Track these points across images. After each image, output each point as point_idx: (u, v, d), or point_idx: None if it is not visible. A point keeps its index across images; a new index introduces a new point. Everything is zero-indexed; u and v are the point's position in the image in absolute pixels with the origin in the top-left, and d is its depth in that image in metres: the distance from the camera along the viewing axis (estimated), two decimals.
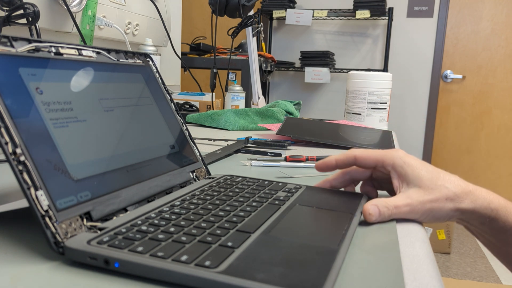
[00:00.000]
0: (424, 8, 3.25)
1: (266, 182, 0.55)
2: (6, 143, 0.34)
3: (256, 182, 0.55)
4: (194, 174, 0.56)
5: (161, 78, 0.58)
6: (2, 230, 0.40)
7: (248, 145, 0.91)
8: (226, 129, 1.20)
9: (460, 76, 3.29)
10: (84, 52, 0.47)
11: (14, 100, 0.36)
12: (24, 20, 0.73)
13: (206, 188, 0.50)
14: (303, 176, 0.68)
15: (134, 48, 1.22)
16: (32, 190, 0.34)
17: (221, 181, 0.55)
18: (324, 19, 3.27)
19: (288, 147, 0.92)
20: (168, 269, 0.30)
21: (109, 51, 0.51)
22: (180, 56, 1.63)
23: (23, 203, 0.42)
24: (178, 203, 0.44)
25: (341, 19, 3.35)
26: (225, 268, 0.30)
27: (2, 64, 0.37)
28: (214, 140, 0.96)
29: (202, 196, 0.47)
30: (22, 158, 0.34)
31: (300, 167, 0.74)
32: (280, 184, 0.55)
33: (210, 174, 0.59)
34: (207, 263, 0.30)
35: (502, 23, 3.18)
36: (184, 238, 0.34)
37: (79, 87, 0.44)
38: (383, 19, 3.23)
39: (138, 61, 0.56)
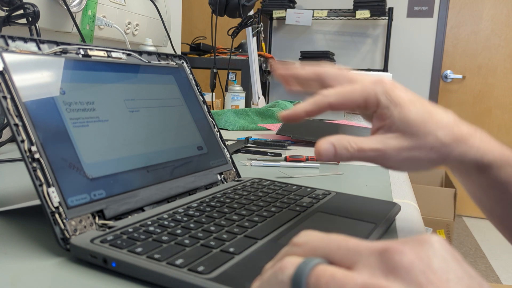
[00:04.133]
0: (424, 8, 3.24)
1: (294, 187, 0.53)
2: (23, 141, 0.34)
3: (283, 186, 0.53)
4: (222, 176, 0.55)
5: (195, 80, 0.58)
6: (15, 226, 0.40)
7: (248, 145, 0.91)
8: (226, 129, 1.20)
9: (460, 76, 3.29)
10: (114, 54, 0.48)
11: (33, 101, 0.37)
12: (24, 20, 0.73)
13: (229, 191, 0.49)
14: (303, 176, 0.68)
15: (134, 48, 1.22)
16: (44, 187, 0.34)
17: (248, 184, 0.53)
18: (324, 19, 3.27)
19: (288, 147, 0.92)
20: (159, 272, 0.30)
21: (140, 53, 0.51)
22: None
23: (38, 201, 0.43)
24: (196, 205, 0.43)
25: (341, 19, 3.35)
26: (217, 275, 0.30)
27: (25, 66, 0.38)
28: None
29: (222, 199, 0.46)
30: (36, 156, 0.35)
31: (300, 167, 0.74)
32: (309, 189, 0.53)
33: (239, 177, 0.58)
34: (200, 268, 0.30)
35: (502, 23, 3.18)
36: (187, 241, 0.34)
37: (103, 88, 0.44)
38: (383, 19, 3.23)
39: (172, 62, 0.56)
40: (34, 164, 0.34)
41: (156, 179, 0.45)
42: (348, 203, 0.48)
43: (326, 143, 0.37)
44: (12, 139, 0.75)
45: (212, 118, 0.58)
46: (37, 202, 0.42)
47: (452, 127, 0.38)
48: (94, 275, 0.32)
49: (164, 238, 0.34)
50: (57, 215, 0.34)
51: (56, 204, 0.34)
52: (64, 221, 0.34)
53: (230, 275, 0.30)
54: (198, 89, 0.58)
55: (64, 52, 0.42)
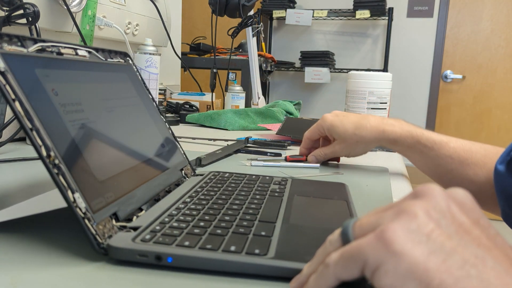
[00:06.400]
0: (424, 8, 3.24)
1: (254, 177, 0.57)
2: (40, 146, 0.33)
3: (244, 177, 0.57)
4: (183, 172, 0.56)
5: (141, 77, 0.58)
6: (37, 233, 0.39)
7: (248, 145, 0.91)
8: (226, 129, 1.20)
9: (460, 76, 3.29)
10: (79, 52, 0.47)
11: (37, 103, 0.35)
12: (24, 20, 0.73)
13: (203, 185, 0.51)
14: (303, 176, 0.68)
15: (134, 48, 1.22)
16: (69, 192, 0.33)
17: (212, 177, 0.56)
18: (324, 19, 3.27)
19: (288, 147, 0.92)
20: (223, 259, 0.31)
21: (97, 50, 0.50)
22: (180, 56, 1.63)
23: (51, 206, 0.40)
24: (189, 200, 0.45)
25: (341, 19, 3.35)
26: (274, 254, 0.32)
27: (21, 66, 0.35)
28: (214, 140, 0.96)
29: (205, 192, 0.48)
30: (56, 161, 0.33)
31: (300, 167, 0.74)
32: (267, 177, 0.57)
33: (195, 172, 0.60)
34: (257, 251, 0.32)
35: (502, 23, 3.18)
36: (219, 231, 0.36)
37: (84, 88, 0.43)
38: (383, 19, 3.23)
39: (121, 60, 0.55)
40: (56, 170, 0.33)
41: (143, 179, 0.45)
42: (311, 186, 0.55)
43: (311, 155, 0.76)
44: (12, 139, 0.75)
45: (163, 115, 0.60)
46: (36, 207, 0.41)
47: (377, 126, 0.73)
48: (140, 273, 0.32)
49: (196, 231, 0.36)
50: (86, 220, 0.33)
51: (83, 209, 0.33)
52: (94, 225, 0.34)
53: (285, 253, 0.32)
54: (145, 86, 0.57)
55: (42, 50, 0.40)
